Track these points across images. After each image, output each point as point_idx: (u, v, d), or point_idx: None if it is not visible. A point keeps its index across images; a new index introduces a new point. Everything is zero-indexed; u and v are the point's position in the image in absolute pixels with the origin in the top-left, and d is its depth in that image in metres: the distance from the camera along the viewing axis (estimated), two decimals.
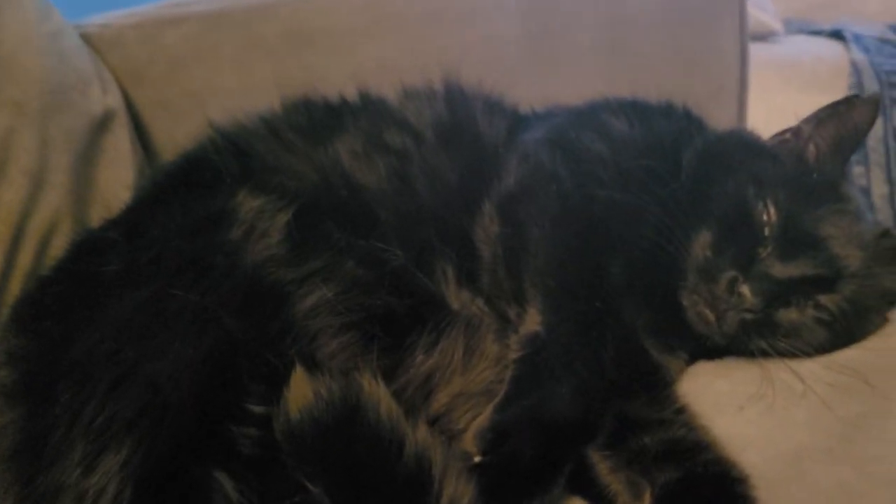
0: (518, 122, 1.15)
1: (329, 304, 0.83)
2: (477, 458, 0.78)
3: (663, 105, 1.18)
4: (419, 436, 0.69)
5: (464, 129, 1.07)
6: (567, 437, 0.81)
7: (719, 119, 1.51)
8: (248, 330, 0.77)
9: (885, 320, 1.02)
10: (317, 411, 0.68)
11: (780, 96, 2.38)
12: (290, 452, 0.68)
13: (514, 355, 0.87)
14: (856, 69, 2.55)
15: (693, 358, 1.03)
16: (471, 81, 1.21)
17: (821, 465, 0.81)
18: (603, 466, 0.83)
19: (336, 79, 1.57)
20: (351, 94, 1.15)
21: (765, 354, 0.96)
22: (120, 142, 1.51)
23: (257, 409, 0.74)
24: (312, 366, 0.72)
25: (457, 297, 0.96)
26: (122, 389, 0.72)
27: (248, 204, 0.88)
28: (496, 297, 0.97)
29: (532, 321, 0.90)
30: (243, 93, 1.61)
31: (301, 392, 0.69)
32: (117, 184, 1.46)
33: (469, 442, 0.80)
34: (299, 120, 1.06)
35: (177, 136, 1.58)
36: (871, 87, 2.57)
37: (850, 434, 0.84)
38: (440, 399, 0.85)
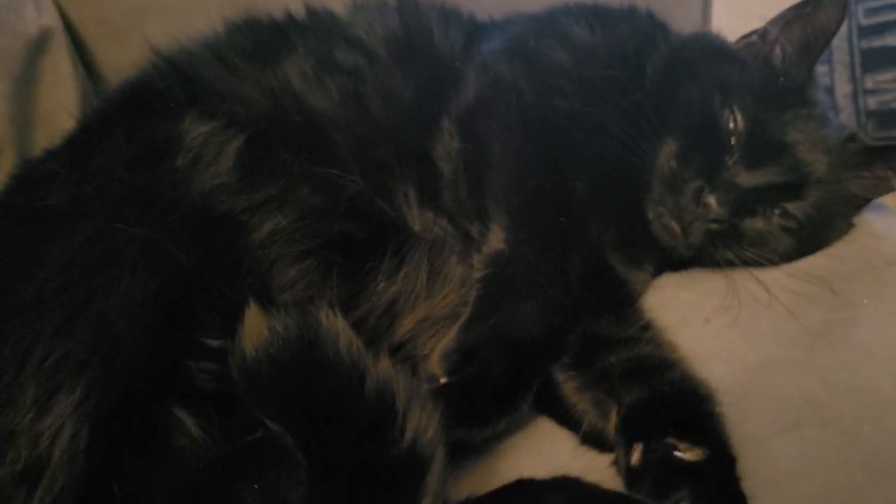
0: (475, 31, 1.10)
1: (285, 232, 0.80)
2: (443, 380, 0.77)
3: (625, 9, 1.13)
4: (381, 368, 0.67)
5: (418, 42, 1.02)
6: (534, 355, 0.80)
7: (683, 20, 1.47)
8: (201, 262, 0.74)
9: (850, 225, 1.02)
10: (272, 348, 0.66)
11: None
12: (247, 391, 0.66)
13: (478, 274, 0.85)
14: None
15: (659, 270, 1.02)
16: None
17: (786, 376, 0.81)
18: (569, 386, 0.83)
19: None
20: (297, 9, 1.09)
21: (731, 264, 0.96)
22: (59, 63, 1.43)
23: (214, 342, 0.72)
24: (267, 301, 0.69)
25: (419, 219, 0.93)
26: (71, 328, 0.69)
27: (196, 130, 0.83)
28: (459, 214, 0.95)
29: (496, 239, 0.88)
30: (187, 9, 1.53)
31: (255, 329, 0.67)
32: (60, 109, 1.40)
33: (435, 364, 0.79)
34: (244, 42, 1.00)
35: (119, 56, 1.51)
36: None
37: (815, 343, 0.84)
38: (405, 325, 0.84)
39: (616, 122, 0.94)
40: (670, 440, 0.71)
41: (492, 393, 0.76)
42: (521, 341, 0.79)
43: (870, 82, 2.55)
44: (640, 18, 1.12)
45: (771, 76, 0.98)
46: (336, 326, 0.68)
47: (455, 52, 1.02)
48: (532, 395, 0.79)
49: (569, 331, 0.83)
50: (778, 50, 1.00)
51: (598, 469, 0.77)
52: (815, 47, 0.98)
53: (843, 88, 2.56)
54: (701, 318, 0.92)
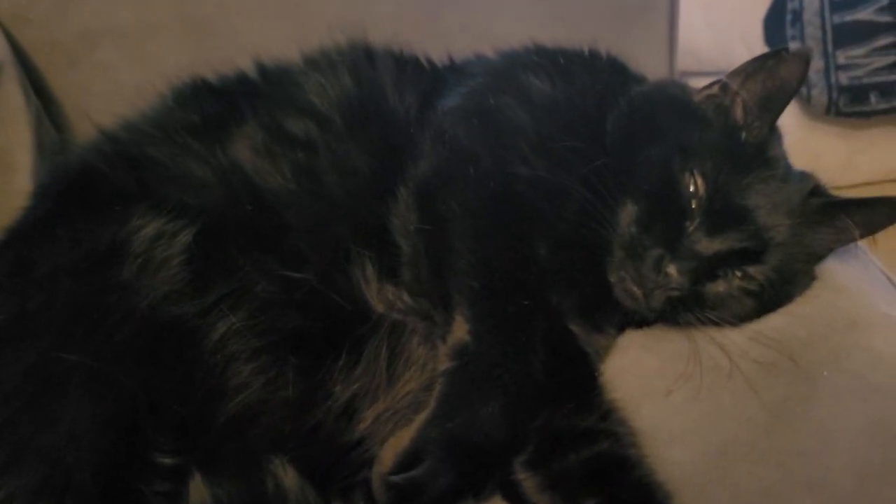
0: (432, 84, 1.06)
1: (238, 332, 0.79)
2: (390, 477, 0.76)
3: (586, 55, 1.11)
4: None
5: (371, 106, 0.99)
6: (491, 459, 0.79)
7: (649, 36, 1.45)
8: (151, 380, 0.73)
9: (813, 279, 1.01)
10: None
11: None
12: None
13: (442, 367, 0.83)
14: None
15: (621, 329, 1.01)
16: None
17: (744, 464, 0.81)
18: (529, 485, 0.83)
19: (242, 12, 1.47)
20: (249, 67, 1.05)
21: (693, 325, 0.95)
22: (10, 97, 1.40)
23: (167, 461, 0.72)
24: (212, 470, 0.68)
25: (379, 297, 0.92)
26: (19, 464, 0.69)
27: (143, 231, 0.81)
28: (420, 295, 0.93)
29: (460, 329, 0.85)
30: (141, 31, 1.49)
31: (200, 499, 0.66)
32: (14, 146, 1.37)
33: (385, 459, 0.78)
34: (192, 116, 0.96)
35: (72, 79, 1.49)
36: None
37: (774, 425, 0.84)
38: (365, 420, 0.83)
39: (577, 186, 0.92)
40: None
41: (437, 497, 0.75)
42: (480, 446, 0.78)
43: (841, 57, 2.52)
44: (601, 65, 1.10)
45: (732, 134, 0.97)
46: (282, 489, 0.67)
47: (410, 116, 0.99)
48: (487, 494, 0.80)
49: (531, 423, 0.82)
50: (739, 105, 0.98)
51: None
52: (776, 103, 0.96)
53: (815, 64, 2.53)
54: (663, 389, 0.92)
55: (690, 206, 0.92)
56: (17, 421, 0.70)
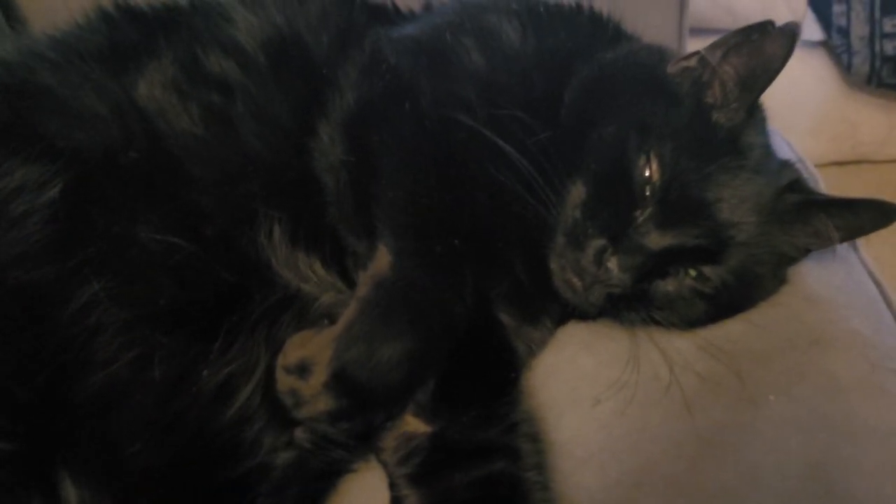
0: (365, 21, 0.96)
1: (102, 304, 0.71)
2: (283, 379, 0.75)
3: (569, 8, 0.99)
4: None
5: (295, 49, 0.89)
6: (374, 403, 0.74)
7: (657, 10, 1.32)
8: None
9: (781, 283, 0.91)
10: None
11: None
12: None
13: (360, 292, 0.77)
14: None
15: (563, 321, 0.92)
16: None
17: (660, 497, 0.72)
18: (412, 499, 0.74)
19: None
20: None
21: (638, 326, 0.85)
22: None
23: (4, 446, 0.64)
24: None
25: (287, 266, 0.83)
26: None
27: (1, 181, 0.72)
28: (346, 232, 0.85)
29: (382, 260, 0.78)
30: None
31: None
32: None
33: (290, 351, 0.75)
34: (100, 41, 0.87)
35: None
36: None
37: (702, 454, 0.75)
38: (239, 398, 0.75)
39: (517, 156, 0.82)
40: None
41: (307, 416, 0.74)
42: (365, 387, 0.72)
43: (889, 25, 2.39)
44: (581, 22, 0.98)
45: (702, 115, 0.85)
46: None
47: (327, 54, 0.90)
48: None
49: (425, 381, 0.76)
50: (716, 82, 0.86)
51: None
52: (757, 82, 0.85)
53: (859, 30, 2.41)
54: (592, 397, 0.83)
55: (643, 192, 0.81)
56: None
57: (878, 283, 1.01)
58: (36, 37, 0.90)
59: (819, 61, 2.44)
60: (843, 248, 1.00)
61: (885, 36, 2.37)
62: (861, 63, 2.38)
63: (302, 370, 0.73)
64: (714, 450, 0.75)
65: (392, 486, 0.77)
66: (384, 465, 0.78)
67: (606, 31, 0.98)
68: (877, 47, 2.38)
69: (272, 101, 0.86)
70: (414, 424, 0.77)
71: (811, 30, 2.42)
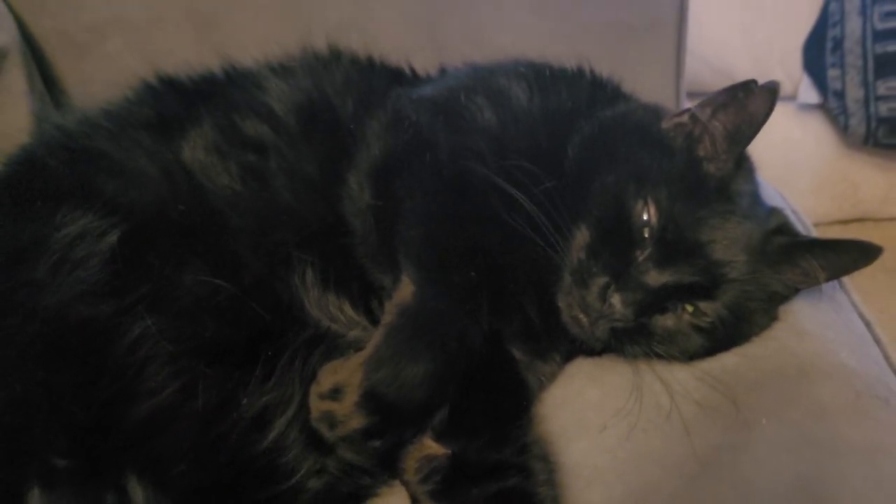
0: (386, 85, 1.07)
1: (153, 338, 0.79)
2: (317, 404, 0.82)
3: (572, 72, 1.09)
4: None
5: (324, 112, 0.99)
6: (400, 420, 0.81)
7: (656, 51, 1.42)
8: (51, 380, 0.73)
9: (773, 319, 0.97)
10: None
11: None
12: None
13: (385, 319, 0.85)
14: None
15: (571, 356, 0.99)
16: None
17: None
18: None
19: (249, 8, 1.48)
20: (217, 68, 1.06)
21: (640, 359, 0.92)
22: (13, 83, 1.43)
23: (61, 463, 0.71)
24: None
25: (319, 307, 0.91)
26: None
27: (66, 230, 0.81)
28: (372, 266, 0.94)
29: (406, 290, 0.86)
30: (150, 24, 1.52)
31: None
32: (12, 127, 1.39)
33: (323, 379, 0.83)
34: (149, 112, 0.98)
35: (81, 69, 1.52)
36: None
37: (700, 473, 0.81)
38: (276, 427, 0.82)
39: (529, 201, 0.90)
40: None
41: (342, 436, 0.81)
42: (393, 405, 0.80)
43: (882, 88, 2.46)
44: (583, 84, 1.07)
45: (694, 166, 0.93)
46: None
47: (350, 114, 1.00)
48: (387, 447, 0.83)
49: (445, 398, 0.84)
50: (707, 136, 0.94)
51: None
52: (743, 135, 0.93)
53: (854, 93, 2.48)
54: (598, 425, 0.89)
55: (642, 234, 0.89)
56: None
57: (866, 322, 1.08)
58: (90, 110, 1.00)
59: (817, 123, 2.52)
60: (832, 288, 1.08)
61: (879, 98, 2.45)
62: (857, 124, 2.46)
63: (335, 393, 0.81)
64: (711, 469, 0.81)
65: (414, 502, 0.83)
66: (406, 484, 0.84)
67: (606, 92, 1.07)
68: (872, 109, 2.46)
69: (302, 157, 0.96)
70: (433, 448, 0.83)
71: (808, 94, 2.52)
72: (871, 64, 2.44)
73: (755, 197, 0.98)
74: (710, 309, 0.90)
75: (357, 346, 0.88)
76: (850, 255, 0.93)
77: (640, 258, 0.89)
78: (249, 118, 0.97)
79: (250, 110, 0.98)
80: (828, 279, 0.95)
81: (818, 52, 2.50)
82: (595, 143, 0.97)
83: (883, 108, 2.46)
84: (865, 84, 2.46)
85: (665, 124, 0.99)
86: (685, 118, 0.97)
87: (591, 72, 1.09)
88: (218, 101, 0.99)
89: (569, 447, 0.87)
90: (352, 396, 0.80)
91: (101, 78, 1.51)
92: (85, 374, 0.74)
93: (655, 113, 1.03)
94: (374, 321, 0.92)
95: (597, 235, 0.90)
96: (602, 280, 0.88)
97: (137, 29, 1.52)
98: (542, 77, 1.04)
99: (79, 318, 0.77)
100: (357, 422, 0.79)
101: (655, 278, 0.88)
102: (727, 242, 0.90)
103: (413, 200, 0.91)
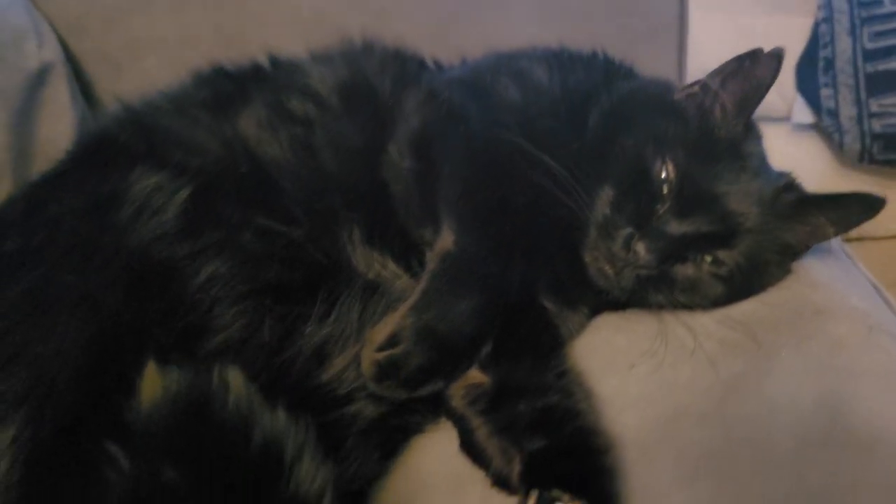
0: (417, 70, 1.17)
1: (223, 278, 0.86)
2: (375, 355, 0.86)
3: (587, 55, 1.18)
4: (271, 422, 0.72)
5: (363, 90, 1.08)
6: (454, 350, 0.88)
7: (658, 57, 1.51)
8: (135, 308, 0.80)
9: (786, 272, 1.04)
10: (164, 405, 0.71)
11: (747, 18, 2.36)
12: (143, 443, 0.71)
13: (429, 267, 0.93)
14: None
15: (597, 311, 1.05)
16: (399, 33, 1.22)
17: (693, 428, 0.84)
18: (482, 432, 0.88)
19: (274, 26, 1.58)
20: (263, 58, 1.15)
21: (663, 307, 0.99)
22: (59, 95, 1.52)
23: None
24: (164, 358, 0.74)
25: (364, 262, 0.98)
26: (10, 368, 0.76)
27: (143, 182, 0.89)
28: (412, 223, 1.01)
29: (447, 240, 0.94)
30: (182, 43, 1.61)
31: (151, 386, 0.72)
32: (58, 137, 1.48)
33: (372, 340, 0.88)
34: (205, 94, 1.07)
35: (118, 86, 1.61)
36: (841, 7, 2.54)
37: (726, 396, 0.87)
38: (335, 366, 0.88)
39: (554, 164, 0.98)
40: (555, 492, 0.75)
41: (404, 378, 0.85)
42: (446, 337, 0.86)
43: (875, 105, 2.53)
44: (598, 65, 1.16)
45: (707, 129, 1.01)
46: (227, 382, 0.73)
47: (388, 93, 1.08)
48: (443, 385, 0.89)
49: (493, 327, 0.90)
50: (717, 104, 1.02)
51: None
52: (751, 100, 1.01)
53: (847, 111, 2.56)
54: (627, 364, 0.95)
55: (662, 190, 0.97)
56: (12, 332, 0.77)
57: (874, 285, 1.14)
58: (152, 95, 1.09)
59: (812, 142, 2.60)
60: (839, 253, 1.15)
61: (872, 115, 2.53)
62: (852, 141, 2.53)
63: (392, 341, 0.87)
64: (737, 392, 0.87)
65: (461, 421, 0.89)
66: (453, 411, 0.90)
67: (620, 71, 1.16)
68: (865, 126, 2.53)
69: (346, 131, 1.04)
70: (478, 377, 0.90)
71: (802, 113, 2.61)
72: (862, 82, 2.53)
73: (764, 159, 1.05)
74: (728, 257, 0.97)
75: (403, 299, 0.94)
76: (856, 207, 1.01)
77: (661, 211, 0.96)
78: (295, 98, 1.05)
79: (295, 91, 1.06)
80: (836, 233, 1.03)
81: (810, 72, 2.59)
82: (613, 112, 1.05)
83: (877, 125, 2.53)
84: (858, 102, 2.54)
85: (677, 95, 1.07)
86: (696, 89, 1.05)
87: (605, 54, 1.17)
88: (265, 84, 1.08)
89: (600, 384, 0.93)
90: (408, 337, 0.86)
91: (138, 93, 1.61)
92: (165, 305, 0.81)
93: (667, 86, 1.11)
94: (415, 277, 0.99)
95: (620, 193, 0.98)
96: (626, 231, 0.95)
97: (171, 47, 1.62)
98: (560, 59, 1.13)
99: (158, 258, 0.84)
100: (417, 359, 0.85)
101: (676, 228, 0.95)
102: (741, 195, 0.97)
103: (450, 163, 1.00)
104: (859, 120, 2.55)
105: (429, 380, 0.87)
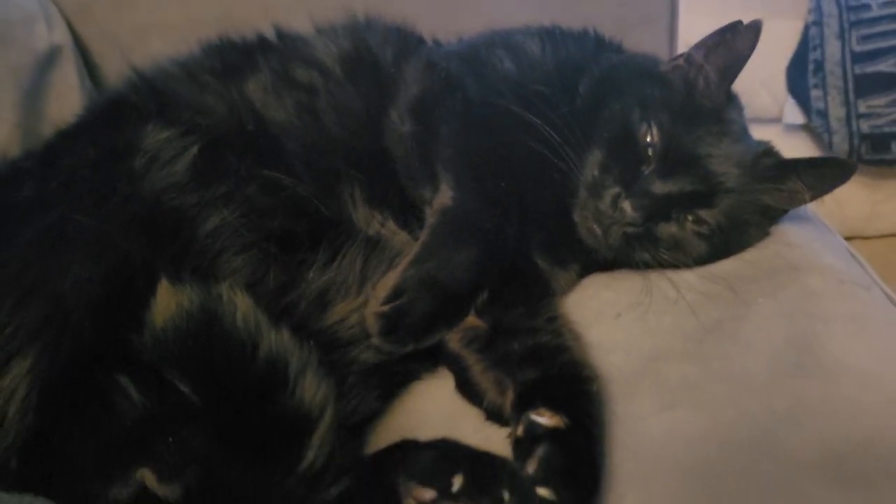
0: (417, 44, 1.23)
1: (230, 226, 0.91)
2: (378, 308, 0.91)
3: (578, 31, 1.24)
4: (276, 340, 0.77)
5: (366, 60, 1.14)
6: (456, 297, 0.93)
7: (650, 47, 1.57)
8: (147, 250, 0.84)
9: (765, 234, 1.09)
10: (178, 320, 0.76)
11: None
12: (157, 358, 0.76)
13: (428, 221, 0.99)
14: None
15: (587, 271, 1.11)
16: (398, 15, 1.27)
17: (672, 364, 0.89)
18: (477, 368, 0.93)
19: (280, 11, 1.63)
20: (269, 31, 1.20)
21: (649, 266, 1.04)
22: (67, 77, 1.57)
23: None
24: (176, 279, 0.79)
25: (364, 217, 1.04)
26: (27, 303, 0.80)
27: (155, 136, 0.94)
28: (411, 183, 1.07)
29: (445, 195, 1.00)
30: (188, 27, 1.66)
31: (165, 303, 0.77)
32: (66, 118, 1.53)
33: (376, 294, 0.93)
34: (214, 62, 1.12)
35: (125, 69, 1.65)
36: (831, 11, 2.60)
37: (706, 337, 0.92)
38: (337, 311, 0.93)
39: (546, 128, 1.03)
40: (540, 410, 0.80)
41: (409, 326, 0.90)
42: (448, 286, 0.92)
43: (863, 106, 2.59)
44: (588, 40, 1.22)
45: (691, 97, 1.07)
46: (235, 301, 0.78)
47: (390, 63, 1.15)
48: (446, 332, 0.94)
49: (490, 276, 0.96)
50: (701, 74, 1.08)
51: (497, 443, 0.85)
52: (733, 69, 1.07)
53: (836, 112, 2.61)
54: (613, 314, 1.00)
55: (647, 152, 1.02)
56: (30, 268, 0.82)
57: (849, 250, 1.20)
58: (162, 62, 1.15)
59: (802, 142, 2.66)
60: (818, 224, 1.20)
61: (860, 116, 2.59)
62: (841, 142, 2.59)
63: (396, 293, 0.92)
64: (716, 333, 0.92)
65: (457, 361, 0.95)
66: (450, 351, 0.95)
67: (610, 46, 1.22)
68: (854, 127, 2.59)
69: (348, 97, 1.10)
70: (474, 321, 0.95)
71: (793, 114, 2.67)
72: (851, 84, 2.59)
73: (744, 128, 1.11)
74: (710, 216, 1.02)
75: (402, 255, 0.99)
76: (830, 172, 1.06)
77: (647, 172, 1.01)
78: (300, 66, 1.11)
79: (300, 60, 1.12)
80: (813, 198, 1.07)
81: (801, 74, 2.65)
82: (602, 80, 1.11)
83: (864, 126, 2.59)
84: (847, 103, 2.60)
85: (663, 67, 1.13)
86: (681, 61, 1.11)
87: (595, 31, 1.24)
88: (271, 54, 1.14)
89: (588, 332, 0.98)
90: (412, 287, 0.92)
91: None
92: (176, 248, 0.86)
93: (654, 59, 1.18)
94: (414, 236, 1.04)
95: (608, 155, 1.03)
96: (614, 190, 1.00)
97: (176, 31, 1.66)
98: (552, 34, 1.20)
99: (169, 206, 0.89)
100: (422, 306, 0.91)
101: (660, 187, 1.00)
102: (722, 157, 1.03)
103: (448, 126, 1.06)
104: (848, 121, 2.61)
105: (433, 328, 0.93)
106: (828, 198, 1.06)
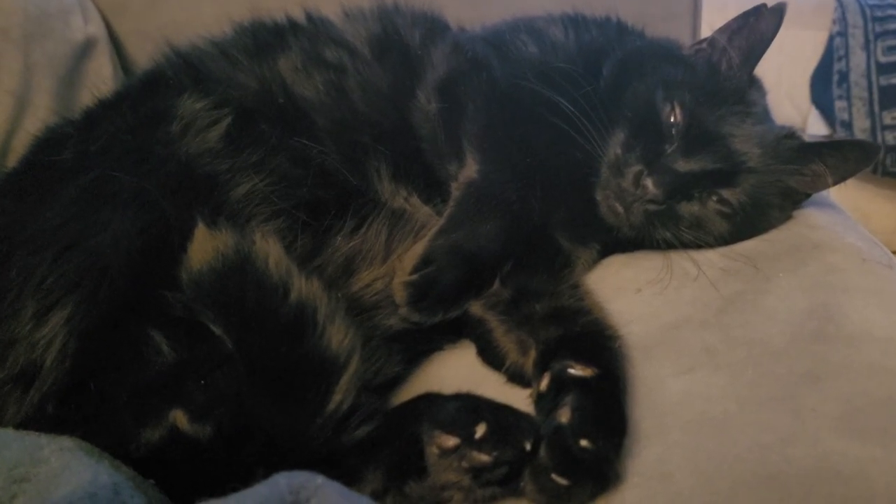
0: (443, 28, 1.25)
1: (261, 193, 0.94)
2: (407, 277, 0.93)
3: (601, 18, 1.27)
4: (306, 287, 0.79)
5: (394, 42, 1.17)
6: (483, 267, 0.96)
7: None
8: (182, 210, 0.87)
9: (787, 216, 1.10)
10: (214, 262, 0.79)
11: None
12: (193, 298, 0.78)
13: (455, 194, 1.02)
14: (840, 3, 2.59)
15: (607, 251, 1.12)
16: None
17: (693, 332, 0.90)
18: (499, 330, 0.95)
19: (310, 5, 1.66)
20: (298, 14, 1.24)
21: (670, 245, 1.05)
22: (102, 67, 1.61)
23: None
24: (213, 224, 0.82)
25: (389, 192, 1.06)
26: (67, 256, 0.83)
27: (191, 105, 0.98)
28: (437, 159, 1.10)
29: (470, 168, 1.04)
30: (221, 24, 1.70)
31: (202, 246, 0.79)
32: None
33: (405, 263, 0.95)
34: (246, 41, 1.16)
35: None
36: (856, 22, 2.61)
37: (726, 307, 0.93)
38: (362, 279, 0.96)
39: (570, 107, 1.05)
40: (568, 362, 0.81)
41: (439, 294, 0.93)
42: (475, 255, 0.95)
43: (888, 118, 2.59)
44: (611, 26, 1.24)
45: (714, 78, 1.09)
46: (267, 247, 0.80)
47: (418, 45, 1.17)
48: (473, 300, 0.96)
49: (511, 255, 0.98)
50: (724, 57, 1.10)
51: (518, 401, 0.86)
52: (756, 52, 1.09)
53: (861, 123, 2.62)
54: (634, 289, 1.02)
55: (670, 131, 1.04)
56: (70, 223, 0.85)
57: (871, 237, 1.20)
58: (196, 41, 1.19)
59: None
60: (840, 210, 1.21)
61: (885, 128, 2.60)
62: None
63: (425, 262, 0.95)
64: (737, 304, 0.93)
65: (480, 324, 0.97)
66: (473, 316, 0.97)
67: (632, 32, 1.24)
68: (879, 138, 2.60)
69: (376, 76, 1.12)
70: (496, 288, 0.97)
71: (817, 125, 2.68)
72: (876, 95, 2.60)
73: (767, 110, 1.13)
74: (732, 195, 1.04)
75: (427, 227, 1.02)
76: (853, 155, 1.06)
77: (669, 150, 1.03)
78: (330, 47, 1.14)
79: (330, 41, 1.15)
80: (835, 182, 1.08)
81: (825, 85, 2.66)
82: (625, 62, 1.13)
83: (889, 137, 2.60)
84: (872, 114, 2.61)
85: (687, 51, 1.15)
86: (705, 45, 1.13)
87: (618, 18, 1.26)
88: (302, 34, 1.17)
89: (609, 305, 0.99)
90: (440, 256, 0.94)
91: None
92: (207, 212, 0.88)
93: (677, 44, 1.19)
94: (438, 212, 1.06)
95: (630, 134, 1.05)
96: (636, 168, 1.02)
97: (208, 27, 1.71)
98: (575, 21, 1.22)
99: (202, 171, 0.92)
100: (450, 273, 0.94)
101: (683, 165, 1.02)
102: (744, 137, 1.04)
103: (474, 103, 1.08)
104: (873, 132, 2.61)
105: (461, 296, 0.95)
106: (854, 211, 1.07)
